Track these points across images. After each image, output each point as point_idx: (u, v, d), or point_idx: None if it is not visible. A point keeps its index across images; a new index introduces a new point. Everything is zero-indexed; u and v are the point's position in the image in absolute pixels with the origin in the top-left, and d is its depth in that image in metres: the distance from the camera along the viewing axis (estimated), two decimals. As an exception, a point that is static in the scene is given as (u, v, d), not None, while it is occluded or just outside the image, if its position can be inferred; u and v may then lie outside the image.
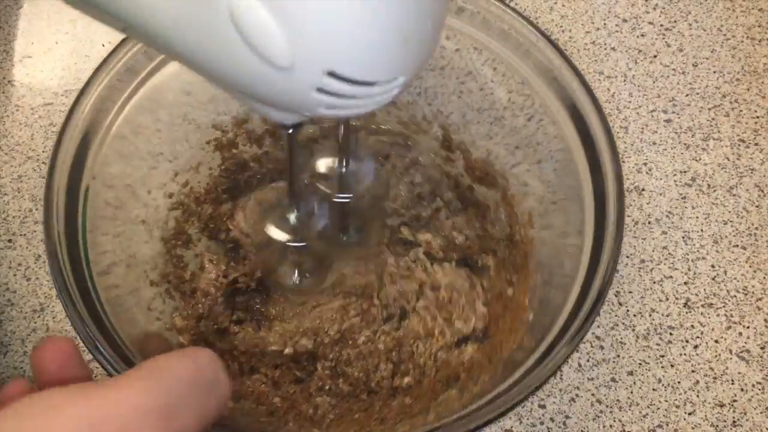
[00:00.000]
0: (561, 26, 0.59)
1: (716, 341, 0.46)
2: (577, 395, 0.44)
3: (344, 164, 0.39)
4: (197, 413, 0.22)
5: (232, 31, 0.21)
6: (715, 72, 0.57)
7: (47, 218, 0.34)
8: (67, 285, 0.33)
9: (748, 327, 0.46)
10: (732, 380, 0.44)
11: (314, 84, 0.22)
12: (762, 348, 0.45)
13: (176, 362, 0.22)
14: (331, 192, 0.40)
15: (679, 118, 0.55)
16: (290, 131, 0.30)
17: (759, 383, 0.44)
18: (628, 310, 0.47)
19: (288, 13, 0.20)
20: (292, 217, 0.38)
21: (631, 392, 0.44)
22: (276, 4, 0.20)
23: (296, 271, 0.45)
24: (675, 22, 0.60)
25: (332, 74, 0.22)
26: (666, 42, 0.58)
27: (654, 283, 0.48)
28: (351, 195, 0.40)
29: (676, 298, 0.47)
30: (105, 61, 0.38)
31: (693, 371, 0.45)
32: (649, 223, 0.50)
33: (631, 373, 0.44)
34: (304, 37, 0.21)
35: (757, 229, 0.50)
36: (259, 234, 0.43)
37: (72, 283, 0.33)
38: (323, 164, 0.41)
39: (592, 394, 0.44)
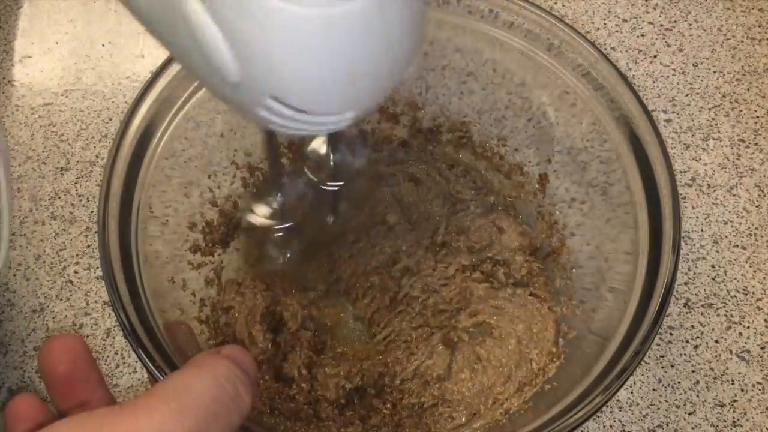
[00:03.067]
0: (561, 26, 0.59)
1: (716, 341, 0.46)
2: (577, 395, 0.44)
3: (333, 152, 0.38)
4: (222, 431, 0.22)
5: (189, 35, 0.21)
6: (715, 72, 0.57)
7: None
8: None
9: (748, 327, 0.46)
10: (732, 380, 0.44)
11: (260, 103, 0.22)
12: (762, 348, 0.45)
13: (199, 381, 0.22)
14: (320, 180, 0.39)
15: (679, 118, 0.55)
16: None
17: (759, 383, 0.44)
18: (628, 310, 0.47)
19: (234, 33, 0.20)
20: (275, 202, 0.38)
21: (631, 392, 0.44)
22: (226, 25, 0.20)
23: (283, 253, 0.44)
24: (675, 22, 0.60)
25: (276, 99, 0.22)
26: (666, 42, 0.58)
27: (654, 283, 0.48)
28: (341, 183, 0.39)
29: (676, 298, 0.47)
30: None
31: (693, 371, 0.45)
32: (649, 223, 0.50)
33: (634, 371, 0.44)
34: (250, 61, 0.21)
35: (757, 229, 0.50)
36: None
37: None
38: (313, 150, 0.40)
39: (593, 394, 0.44)
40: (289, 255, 0.45)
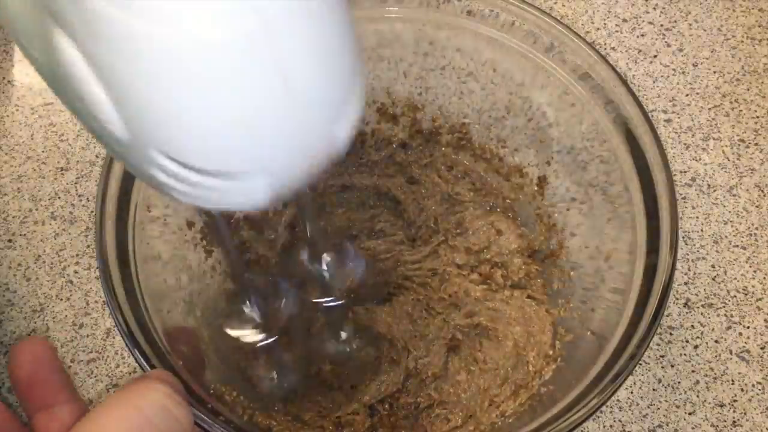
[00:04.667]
0: (561, 26, 0.59)
1: (716, 341, 0.46)
2: (577, 395, 0.44)
3: (319, 263, 0.31)
4: None
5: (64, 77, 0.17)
6: (715, 72, 0.57)
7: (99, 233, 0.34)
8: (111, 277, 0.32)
9: (748, 327, 0.46)
10: (732, 380, 0.44)
11: (151, 160, 0.18)
12: (762, 348, 0.45)
13: (120, 423, 0.20)
14: (310, 298, 0.33)
15: (679, 118, 0.55)
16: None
17: (759, 383, 0.44)
18: (628, 310, 0.47)
19: (107, 74, 0.16)
20: (249, 311, 0.31)
21: (631, 392, 0.44)
22: (95, 60, 0.16)
23: (274, 372, 0.38)
24: (675, 22, 0.60)
25: (167, 156, 0.18)
26: (666, 42, 0.58)
27: (654, 283, 0.48)
28: (332, 297, 0.33)
29: (676, 298, 0.47)
30: None
31: (693, 371, 0.45)
32: (649, 223, 0.50)
33: (631, 374, 0.44)
34: (131, 110, 0.17)
35: (757, 229, 0.50)
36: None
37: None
38: (303, 260, 0.33)
39: (592, 394, 0.44)
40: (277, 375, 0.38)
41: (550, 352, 0.40)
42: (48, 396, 0.25)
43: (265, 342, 0.32)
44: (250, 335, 0.31)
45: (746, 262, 0.48)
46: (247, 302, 0.31)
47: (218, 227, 0.27)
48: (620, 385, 0.31)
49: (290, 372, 0.38)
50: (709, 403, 0.44)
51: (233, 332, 0.31)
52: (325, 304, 0.32)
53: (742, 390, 0.44)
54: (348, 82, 0.19)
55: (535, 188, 0.45)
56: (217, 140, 0.17)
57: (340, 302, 0.31)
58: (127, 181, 0.36)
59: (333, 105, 0.19)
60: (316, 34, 0.17)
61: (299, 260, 0.32)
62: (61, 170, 0.51)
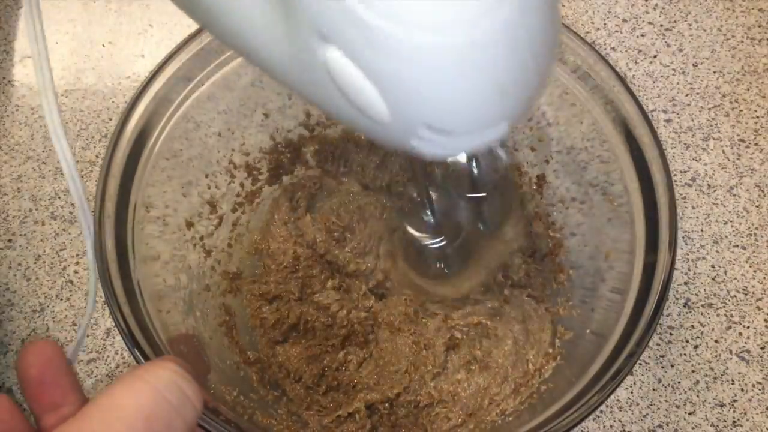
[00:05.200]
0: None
1: (716, 341, 0.46)
2: (577, 395, 0.44)
3: (476, 163, 0.38)
4: None
5: (330, 82, 0.21)
6: (715, 72, 0.57)
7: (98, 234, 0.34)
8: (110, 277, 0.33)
9: (748, 327, 0.46)
10: (732, 380, 0.44)
11: (411, 134, 0.22)
12: (762, 348, 0.45)
13: (132, 397, 0.21)
14: (463, 192, 0.38)
15: (679, 118, 0.55)
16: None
17: (759, 383, 0.44)
18: (628, 310, 0.47)
19: (379, 73, 0.20)
20: (427, 218, 0.38)
21: (631, 392, 0.44)
22: (367, 65, 0.20)
23: (435, 264, 0.45)
24: (675, 22, 0.60)
25: (430, 127, 0.21)
26: (666, 42, 0.58)
27: (654, 283, 0.48)
28: (483, 194, 0.38)
29: (676, 298, 0.47)
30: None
31: (693, 371, 0.45)
32: (649, 223, 0.50)
33: (631, 373, 0.44)
34: (398, 96, 0.20)
35: (757, 229, 0.50)
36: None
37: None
38: (455, 161, 0.39)
39: (592, 394, 0.44)
40: (445, 265, 0.45)
41: (550, 351, 0.40)
42: (57, 397, 0.25)
43: (435, 243, 0.40)
44: (425, 237, 0.39)
45: (746, 262, 0.48)
46: (427, 213, 0.38)
47: (416, 165, 0.32)
48: (620, 383, 0.31)
49: (455, 263, 0.45)
50: (709, 403, 0.44)
51: (414, 232, 0.39)
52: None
53: (742, 390, 0.44)
54: (558, 30, 0.23)
55: (534, 187, 0.45)
56: (480, 107, 0.21)
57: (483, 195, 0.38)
58: (126, 181, 0.36)
59: (555, 53, 0.23)
60: (549, 4, 0.21)
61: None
62: (61, 170, 0.51)
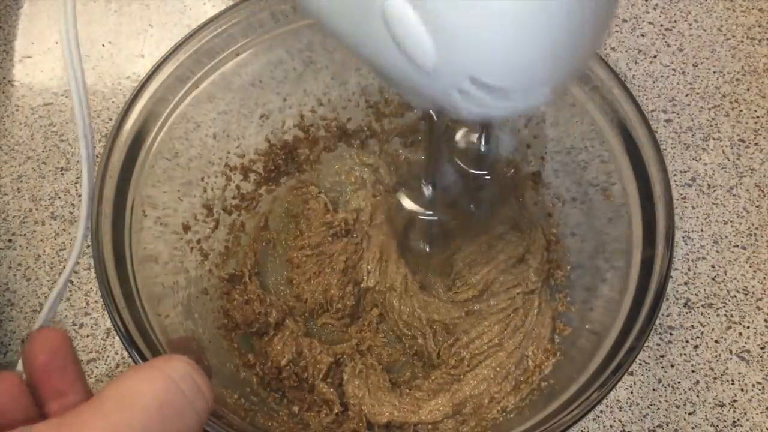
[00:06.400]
0: (561, 26, 0.59)
1: (716, 341, 0.46)
2: (577, 395, 0.44)
3: (483, 140, 0.38)
4: None
5: (383, 28, 0.21)
6: (715, 72, 0.57)
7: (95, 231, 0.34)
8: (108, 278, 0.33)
9: (748, 327, 0.46)
10: (732, 380, 0.44)
11: (456, 87, 0.22)
12: (762, 348, 0.45)
13: (147, 384, 0.21)
14: (467, 168, 0.39)
15: (679, 118, 0.55)
16: (434, 117, 0.30)
17: (759, 383, 0.44)
18: (628, 310, 0.47)
19: (437, 19, 0.20)
20: (427, 191, 0.38)
21: (631, 392, 0.44)
22: (427, 10, 0.20)
23: (423, 240, 0.45)
24: (675, 22, 0.60)
25: (474, 81, 0.22)
26: (666, 42, 0.58)
27: (654, 283, 0.48)
28: (486, 173, 0.39)
29: (676, 298, 0.47)
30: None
31: (693, 371, 0.45)
32: (649, 223, 0.50)
33: (631, 373, 0.44)
34: (451, 44, 0.21)
35: (757, 229, 0.50)
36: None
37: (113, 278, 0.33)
38: (462, 138, 0.40)
39: (592, 394, 0.44)
40: (429, 244, 0.45)
41: (549, 347, 0.40)
42: (63, 385, 0.25)
43: (427, 216, 0.39)
44: (418, 208, 0.39)
45: (746, 262, 0.48)
46: (425, 183, 0.38)
47: (432, 128, 0.31)
48: (620, 378, 0.31)
49: (441, 243, 0.45)
50: (709, 403, 0.44)
51: (406, 202, 0.39)
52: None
53: (742, 390, 0.44)
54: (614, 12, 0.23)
55: (530, 183, 0.45)
56: (531, 65, 0.21)
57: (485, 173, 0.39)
58: (124, 181, 0.36)
59: (609, 20, 0.23)
60: None
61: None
62: (61, 170, 0.51)
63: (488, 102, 0.22)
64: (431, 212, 0.39)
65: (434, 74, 0.22)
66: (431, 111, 0.30)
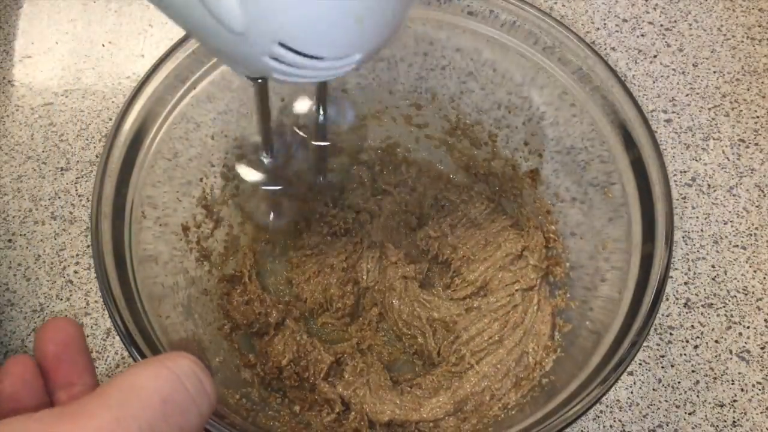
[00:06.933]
0: (561, 26, 0.59)
1: (716, 341, 0.46)
2: (577, 395, 0.44)
3: (322, 112, 0.38)
4: None
5: None
6: (715, 72, 0.57)
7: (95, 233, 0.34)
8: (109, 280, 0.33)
9: (748, 327, 0.46)
10: (732, 380, 0.44)
11: (266, 51, 0.23)
12: (762, 348, 0.45)
13: (152, 379, 0.21)
14: (309, 137, 0.39)
15: (679, 118, 0.55)
16: (259, 81, 0.30)
17: (759, 383, 0.44)
18: (628, 310, 0.47)
19: None
20: (266, 160, 0.38)
21: (631, 392, 0.44)
22: None
23: (272, 213, 0.45)
24: (675, 22, 0.60)
25: (283, 45, 0.22)
26: (666, 42, 0.58)
27: (654, 283, 0.48)
28: (328, 142, 0.40)
29: (676, 298, 0.47)
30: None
31: (693, 371, 0.45)
32: (649, 223, 0.50)
33: (631, 373, 0.44)
34: (256, 7, 0.21)
35: (757, 229, 0.50)
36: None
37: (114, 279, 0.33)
38: (303, 108, 0.40)
39: (592, 394, 0.44)
40: (276, 214, 0.45)
41: (549, 343, 0.40)
42: (73, 375, 0.26)
43: (271, 187, 0.39)
44: (262, 180, 0.38)
45: (746, 262, 0.48)
46: (264, 153, 0.37)
47: (263, 97, 0.32)
48: (621, 374, 0.31)
49: (285, 214, 0.46)
50: (709, 403, 0.44)
51: (247, 174, 0.38)
52: (317, 143, 0.39)
53: (742, 390, 0.44)
54: None
55: (528, 181, 0.45)
56: (336, 31, 0.22)
57: (327, 143, 0.39)
58: (123, 182, 0.36)
59: (410, 4, 0.24)
60: None
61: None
62: (61, 170, 0.51)
63: (300, 68, 0.23)
64: (273, 182, 0.38)
65: (244, 38, 0.22)
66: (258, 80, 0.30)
